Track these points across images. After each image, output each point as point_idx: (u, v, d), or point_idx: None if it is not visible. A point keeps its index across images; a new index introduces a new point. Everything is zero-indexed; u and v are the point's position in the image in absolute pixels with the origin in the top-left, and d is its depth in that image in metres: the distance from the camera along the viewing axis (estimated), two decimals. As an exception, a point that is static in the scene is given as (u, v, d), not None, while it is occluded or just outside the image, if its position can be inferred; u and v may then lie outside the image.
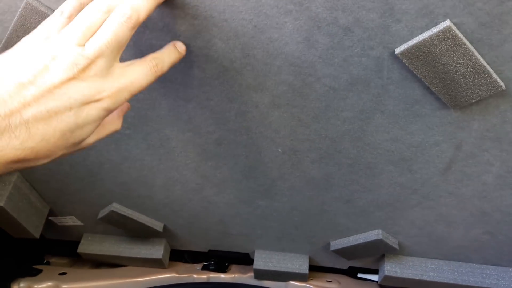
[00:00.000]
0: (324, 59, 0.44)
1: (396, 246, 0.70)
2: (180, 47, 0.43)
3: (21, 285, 0.72)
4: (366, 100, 0.47)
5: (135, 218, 0.70)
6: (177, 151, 0.58)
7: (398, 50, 0.41)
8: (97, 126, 0.36)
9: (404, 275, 0.73)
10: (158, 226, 0.72)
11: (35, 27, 0.44)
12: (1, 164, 0.32)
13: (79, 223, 0.75)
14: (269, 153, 0.57)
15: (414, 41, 0.40)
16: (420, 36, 0.40)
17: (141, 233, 0.75)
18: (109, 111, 0.36)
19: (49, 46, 0.34)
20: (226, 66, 0.46)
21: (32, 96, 0.32)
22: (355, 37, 0.41)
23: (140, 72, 0.37)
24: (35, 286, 0.73)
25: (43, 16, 0.43)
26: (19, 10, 0.43)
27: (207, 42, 0.44)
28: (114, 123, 0.41)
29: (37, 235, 0.69)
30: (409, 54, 0.41)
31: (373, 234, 0.69)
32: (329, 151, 0.55)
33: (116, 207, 0.69)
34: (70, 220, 0.74)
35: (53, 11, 0.43)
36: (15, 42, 0.45)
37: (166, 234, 0.75)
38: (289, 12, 0.40)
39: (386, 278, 0.74)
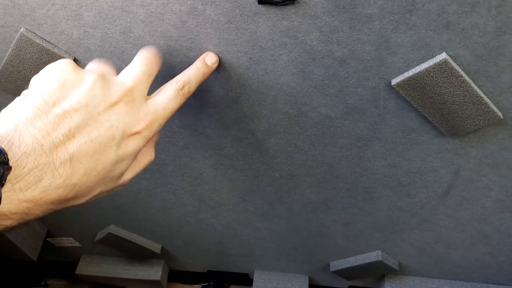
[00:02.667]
0: (320, 89, 0.43)
1: (396, 267, 0.69)
2: (211, 60, 0.41)
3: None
4: (362, 128, 0.47)
5: (132, 240, 0.70)
6: (174, 175, 0.58)
7: (394, 82, 0.41)
8: (134, 159, 0.35)
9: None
10: (156, 247, 0.72)
11: (30, 58, 0.44)
12: (41, 207, 0.29)
13: (77, 244, 0.75)
14: (266, 178, 0.56)
15: (410, 73, 0.40)
16: (417, 68, 0.40)
17: (139, 255, 0.74)
18: (146, 140, 0.35)
19: (88, 74, 0.33)
20: (222, 95, 0.46)
21: (76, 126, 0.30)
22: (351, 69, 0.41)
23: (169, 97, 0.36)
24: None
25: (38, 48, 0.42)
26: (14, 41, 0.43)
27: None
28: (148, 154, 0.39)
29: (35, 258, 0.68)
30: (406, 85, 0.41)
31: (373, 256, 0.69)
32: (326, 176, 0.55)
33: (114, 229, 0.69)
34: (68, 242, 0.74)
35: (48, 42, 0.43)
36: (10, 72, 0.45)
37: (164, 255, 0.75)
38: (284, 45, 0.40)
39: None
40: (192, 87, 0.39)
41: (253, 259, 0.75)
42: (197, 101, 0.47)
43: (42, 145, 0.28)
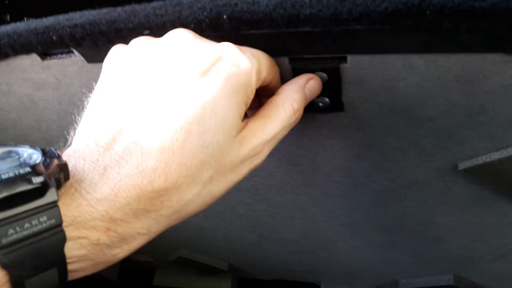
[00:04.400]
0: (378, 168, 0.40)
1: (471, 289, 0.66)
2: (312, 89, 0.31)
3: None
4: (428, 195, 0.43)
5: (201, 261, 0.72)
6: (233, 220, 0.58)
7: (462, 166, 0.37)
8: None
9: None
10: (223, 265, 0.74)
11: None
12: (128, 211, 0.24)
13: (151, 259, 0.79)
14: (326, 225, 0.55)
15: (480, 160, 0.35)
16: (488, 156, 0.35)
17: (209, 271, 0.77)
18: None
19: None
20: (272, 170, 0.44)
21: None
22: (411, 154, 0.37)
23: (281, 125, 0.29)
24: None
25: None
26: None
27: None
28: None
29: (114, 278, 0.74)
30: (475, 170, 0.37)
31: (444, 279, 0.66)
32: (391, 225, 0.52)
33: (183, 252, 0.71)
34: (142, 258, 0.78)
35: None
36: None
37: (231, 269, 0.77)
38: (334, 137, 0.37)
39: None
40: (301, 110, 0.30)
41: (319, 273, 0.75)
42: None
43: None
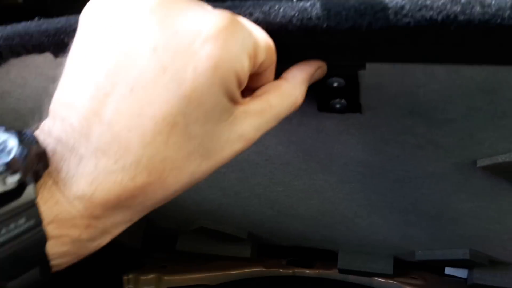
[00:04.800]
0: (395, 161, 0.40)
1: (486, 263, 0.67)
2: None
3: (130, 276, 0.83)
4: (445, 185, 0.43)
5: (221, 230, 0.74)
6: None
7: (480, 164, 0.36)
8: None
9: (496, 283, 0.71)
10: (243, 234, 0.76)
11: None
12: (107, 217, 0.23)
13: (174, 226, 0.82)
14: (343, 205, 0.55)
15: (500, 159, 0.35)
16: (507, 156, 0.34)
17: (229, 239, 0.79)
18: None
19: None
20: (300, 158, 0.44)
21: None
22: (429, 151, 0.37)
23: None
24: (141, 277, 0.83)
25: None
26: None
27: None
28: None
29: (138, 246, 0.77)
30: (494, 167, 0.36)
31: (460, 253, 0.67)
32: (408, 208, 0.52)
33: (204, 222, 0.73)
34: (165, 224, 0.81)
35: None
36: None
37: (251, 237, 0.79)
38: (351, 134, 0.36)
39: (475, 285, 0.73)
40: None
41: (336, 244, 0.77)
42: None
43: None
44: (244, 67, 0.23)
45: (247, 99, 0.26)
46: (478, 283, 0.71)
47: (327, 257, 0.83)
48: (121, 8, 0.23)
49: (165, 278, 0.84)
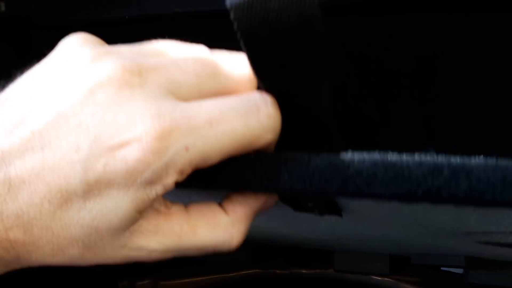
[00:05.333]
0: (389, 236, 0.38)
1: (483, 266, 0.67)
2: None
3: (125, 282, 0.82)
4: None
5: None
6: None
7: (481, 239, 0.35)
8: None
9: (491, 283, 0.71)
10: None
11: None
12: None
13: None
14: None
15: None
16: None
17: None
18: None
19: None
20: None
21: None
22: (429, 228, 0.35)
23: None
24: (137, 283, 0.83)
25: None
26: None
27: None
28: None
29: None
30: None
31: (455, 260, 0.67)
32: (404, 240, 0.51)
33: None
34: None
35: None
36: None
37: (247, 240, 0.79)
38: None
39: (471, 285, 0.73)
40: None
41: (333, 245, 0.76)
42: None
43: None
44: (165, 183, 0.21)
45: (175, 208, 0.23)
46: (474, 282, 0.71)
47: (324, 256, 0.83)
48: (71, 69, 0.22)
49: (161, 283, 0.84)
